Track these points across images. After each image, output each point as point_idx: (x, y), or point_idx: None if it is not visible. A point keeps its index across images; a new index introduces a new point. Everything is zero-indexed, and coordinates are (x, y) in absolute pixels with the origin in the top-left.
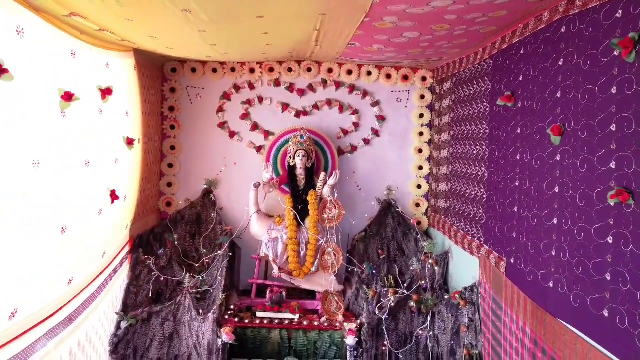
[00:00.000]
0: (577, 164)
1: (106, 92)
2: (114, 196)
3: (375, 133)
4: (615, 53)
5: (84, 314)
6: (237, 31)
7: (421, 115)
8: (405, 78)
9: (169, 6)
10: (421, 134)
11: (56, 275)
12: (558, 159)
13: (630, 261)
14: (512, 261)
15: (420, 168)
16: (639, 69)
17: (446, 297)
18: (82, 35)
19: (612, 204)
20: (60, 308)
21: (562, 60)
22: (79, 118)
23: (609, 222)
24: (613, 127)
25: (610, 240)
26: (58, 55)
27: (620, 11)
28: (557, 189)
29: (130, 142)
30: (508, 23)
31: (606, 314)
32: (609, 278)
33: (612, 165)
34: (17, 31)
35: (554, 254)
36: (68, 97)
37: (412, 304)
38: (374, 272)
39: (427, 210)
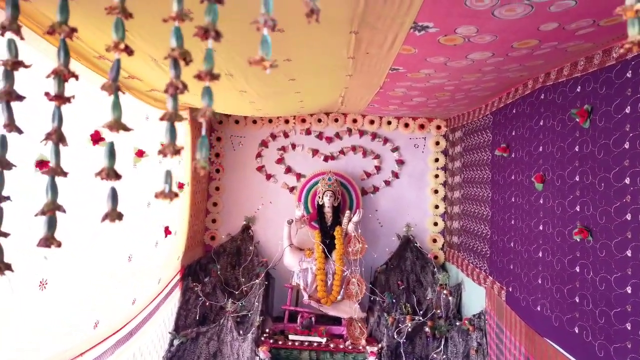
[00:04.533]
0: (554, 206)
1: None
2: (167, 231)
3: (395, 175)
4: (576, 119)
5: (141, 330)
6: (278, 101)
7: (436, 160)
8: (422, 127)
9: (231, 89)
10: (437, 176)
11: (124, 295)
12: (541, 202)
13: (591, 286)
14: (510, 290)
15: (437, 207)
16: (592, 133)
17: (457, 323)
18: (155, 102)
19: (577, 239)
20: (127, 324)
21: (542, 121)
22: (145, 168)
23: (576, 255)
24: (577, 178)
25: (577, 269)
26: (137, 119)
27: (579, 87)
28: (541, 227)
29: (180, 186)
30: (500, 89)
31: (577, 331)
32: (577, 300)
33: (577, 208)
34: None
35: (540, 282)
36: (140, 154)
37: (427, 329)
38: (394, 301)
39: (443, 245)
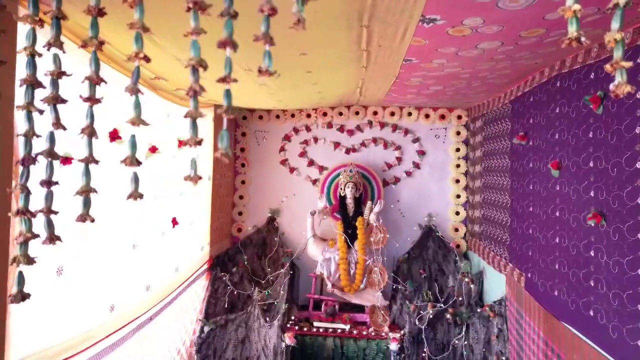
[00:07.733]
0: (570, 192)
1: (182, 143)
2: (174, 222)
3: (417, 166)
4: (590, 106)
5: (163, 315)
6: (296, 92)
7: (457, 150)
8: (443, 117)
9: (250, 82)
10: (458, 166)
11: (135, 281)
12: (558, 188)
13: (604, 269)
14: (529, 276)
15: (458, 196)
16: (605, 119)
17: (479, 310)
18: (181, 101)
19: (591, 224)
20: (148, 310)
21: (558, 108)
22: (155, 163)
23: (591, 239)
24: (591, 164)
25: (592, 253)
26: (158, 117)
27: (593, 73)
28: (557, 214)
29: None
30: (517, 77)
31: (591, 314)
32: (592, 284)
33: (592, 194)
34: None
35: (557, 267)
36: (153, 150)
37: (448, 316)
38: (416, 289)
39: (465, 234)
